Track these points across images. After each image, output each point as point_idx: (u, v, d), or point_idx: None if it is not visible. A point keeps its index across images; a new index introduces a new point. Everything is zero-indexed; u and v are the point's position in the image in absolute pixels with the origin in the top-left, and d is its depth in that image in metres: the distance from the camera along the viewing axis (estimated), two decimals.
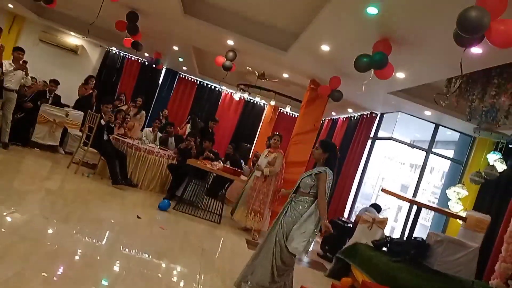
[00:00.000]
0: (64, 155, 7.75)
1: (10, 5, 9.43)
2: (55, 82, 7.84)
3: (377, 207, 6.82)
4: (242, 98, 12.01)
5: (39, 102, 7.45)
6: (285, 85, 8.99)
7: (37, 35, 10.82)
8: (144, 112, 9.52)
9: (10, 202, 4.34)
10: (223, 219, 6.59)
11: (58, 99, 7.95)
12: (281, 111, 12.63)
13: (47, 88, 7.82)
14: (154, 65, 10.10)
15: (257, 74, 8.60)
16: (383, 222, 5.76)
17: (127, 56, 11.78)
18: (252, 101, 12.53)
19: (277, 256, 3.54)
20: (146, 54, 10.72)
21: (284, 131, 12.28)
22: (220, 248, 5.53)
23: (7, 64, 6.50)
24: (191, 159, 6.76)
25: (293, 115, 12.73)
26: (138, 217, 5.27)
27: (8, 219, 3.88)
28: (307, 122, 7.32)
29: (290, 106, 10.40)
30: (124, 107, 8.84)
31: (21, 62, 6.65)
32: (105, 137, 6.87)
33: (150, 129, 8.19)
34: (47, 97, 7.70)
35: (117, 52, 11.68)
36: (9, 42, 9.63)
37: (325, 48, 5.42)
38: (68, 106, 8.16)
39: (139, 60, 11.81)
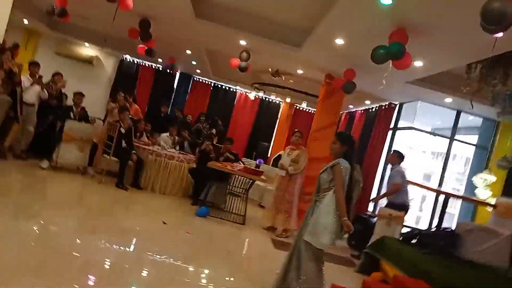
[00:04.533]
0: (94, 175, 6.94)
1: (26, 21, 9.63)
2: (80, 95, 7.14)
3: (400, 156, 6.39)
4: (257, 97, 12.04)
5: (59, 120, 6.93)
6: (300, 81, 8.92)
7: (53, 48, 11.02)
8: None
9: (37, 216, 4.43)
10: (247, 220, 6.57)
11: (85, 114, 7.25)
12: (297, 108, 12.56)
13: (73, 103, 7.11)
14: (170, 70, 10.14)
15: (271, 72, 8.56)
16: (400, 218, 5.65)
17: (141, 64, 11.90)
18: (267, 99, 12.50)
19: (306, 258, 3.47)
20: (160, 60, 10.81)
21: (302, 128, 12.21)
22: (246, 249, 5.55)
23: (26, 79, 6.64)
24: (211, 161, 6.78)
25: (310, 111, 12.62)
26: (163, 223, 5.31)
27: (37, 233, 3.96)
28: (325, 117, 7.24)
29: (306, 102, 10.38)
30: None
31: (37, 76, 6.80)
32: (123, 145, 6.93)
33: (167, 134, 8.16)
34: (73, 112, 7.00)
35: (132, 60, 11.82)
36: (26, 57, 9.83)
37: (339, 42, 5.37)
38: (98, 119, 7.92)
39: (154, 66, 11.90)
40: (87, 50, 11.31)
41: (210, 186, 6.77)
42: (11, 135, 6.25)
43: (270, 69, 8.51)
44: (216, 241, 5.30)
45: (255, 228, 6.44)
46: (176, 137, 8.16)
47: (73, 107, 7.07)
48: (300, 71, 8.05)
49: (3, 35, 6.34)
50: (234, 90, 12.39)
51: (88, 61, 11.30)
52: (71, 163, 6.81)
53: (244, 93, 12.35)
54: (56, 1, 6.13)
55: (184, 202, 6.75)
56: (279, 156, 8.09)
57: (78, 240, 3.98)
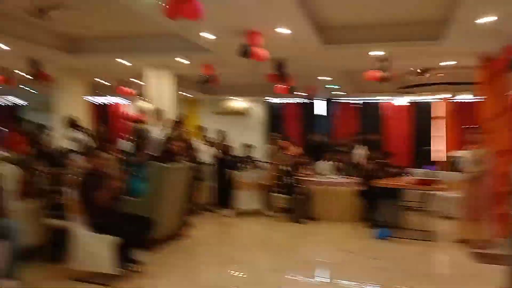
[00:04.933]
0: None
1: (190, 95, 11.28)
2: (247, 146, 8.16)
3: None
4: (406, 101, 11.33)
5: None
6: (450, 72, 8.16)
7: (211, 109, 12.54)
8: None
9: (237, 260, 4.82)
10: (434, 235, 5.90)
11: (252, 161, 8.09)
12: (455, 101, 11.30)
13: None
14: (314, 100, 10.38)
15: (415, 72, 8.02)
16: None
17: (286, 102, 12.47)
18: (418, 100, 11.60)
19: None
20: (301, 93, 11.16)
21: (465, 121, 10.95)
22: (447, 268, 5.09)
23: (199, 143, 7.67)
24: (378, 180, 6.42)
25: (471, 101, 11.21)
26: (346, 251, 5.27)
27: (243, 277, 4.32)
28: (494, 104, 6.32)
29: (464, 93, 9.30)
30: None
31: (206, 138, 7.86)
32: (290, 181, 7.24)
33: (324, 161, 8.16)
34: (242, 162, 7.89)
35: (276, 101, 12.49)
36: (192, 123, 11.32)
37: (486, 19, 4.76)
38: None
39: (297, 101, 12.34)
40: (238, 102, 12.51)
41: (383, 205, 6.38)
42: (198, 193, 7.13)
43: (413, 70, 8.00)
44: (408, 263, 4.90)
45: (446, 243, 5.73)
46: (335, 163, 8.12)
47: (242, 157, 7.92)
48: (446, 62, 7.35)
49: (177, 112, 7.57)
50: (380, 102, 11.93)
51: (242, 112, 12.45)
52: (249, 208, 7.44)
53: (391, 101, 11.78)
54: (203, 70, 7.07)
55: (359, 226, 6.56)
56: (456, 159, 7.30)
57: (278, 278, 4.19)
